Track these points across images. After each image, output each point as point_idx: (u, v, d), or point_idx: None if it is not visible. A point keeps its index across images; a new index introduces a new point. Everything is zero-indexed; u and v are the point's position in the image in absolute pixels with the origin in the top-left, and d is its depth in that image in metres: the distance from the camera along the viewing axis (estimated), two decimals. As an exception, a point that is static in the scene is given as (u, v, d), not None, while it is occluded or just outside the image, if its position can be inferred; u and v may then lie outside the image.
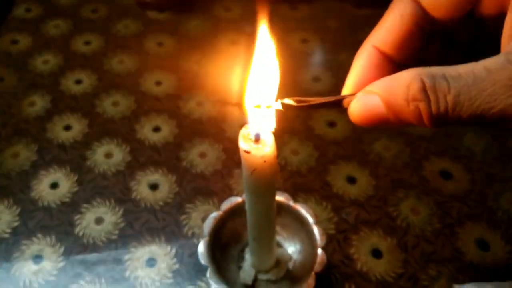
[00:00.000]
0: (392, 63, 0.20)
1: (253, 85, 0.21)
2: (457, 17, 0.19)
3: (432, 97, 0.15)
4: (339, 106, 0.19)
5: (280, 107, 0.20)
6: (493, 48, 0.17)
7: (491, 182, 0.39)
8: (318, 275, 0.28)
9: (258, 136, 0.22)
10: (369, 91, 0.17)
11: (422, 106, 0.15)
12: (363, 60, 0.20)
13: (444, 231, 0.36)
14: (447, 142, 0.41)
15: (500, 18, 0.17)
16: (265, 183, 0.24)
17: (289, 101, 0.20)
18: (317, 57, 0.50)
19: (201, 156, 0.41)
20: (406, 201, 0.37)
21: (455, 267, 0.34)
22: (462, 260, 0.34)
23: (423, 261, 0.34)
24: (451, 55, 0.21)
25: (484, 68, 0.15)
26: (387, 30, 0.19)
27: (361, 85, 0.19)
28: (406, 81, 0.16)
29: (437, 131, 0.42)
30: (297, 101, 0.19)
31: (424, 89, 0.15)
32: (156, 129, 0.43)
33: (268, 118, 0.21)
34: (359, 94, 0.18)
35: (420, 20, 0.19)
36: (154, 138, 0.42)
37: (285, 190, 0.32)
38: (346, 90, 0.20)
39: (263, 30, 0.21)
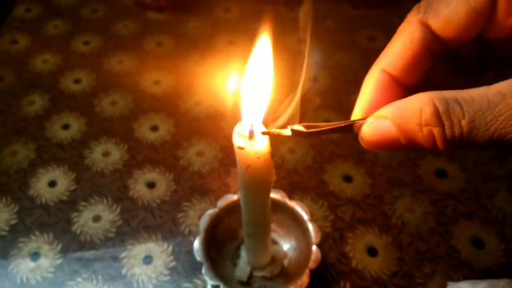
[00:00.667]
0: (402, 86, 0.20)
1: (247, 104, 0.21)
2: (468, 38, 0.19)
3: (446, 122, 0.15)
4: (349, 131, 0.19)
5: (290, 133, 0.20)
6: (503, 69, 0.17)
7: (486, 181, 0.39)
8: (313, 272, 0.28)
9: (252, 133, 0.22)
10: (380, 116, 0.17)
11: (436, 131, 0.15)
12: (372, 84, 0.20)
13: (439, 229, 0.36)
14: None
15: (510, 39, 0.17)
16: (259, 179, 0.24)
17: (299, 127, 0.20)
18: (314, 57, 0.51)
19: (199, 155, 0.41)
20: (401, 200, 0.38)
21: (450, 265, 0.34)
22: (456, 258, 0.34)
23: (418, 259, 0.34)
24: (459, 76, 0.21)
25: (498, 92, 0.15)
26: (397, 54, 0.19)
27: (371, 110, 0.19)
28: (419, 105, 0.16)
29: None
30: (307, 127, 0.19)
31: (437, 114, 0.15)
32: (154, 128, 0.43)
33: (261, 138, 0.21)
34: (369, 119, 0.18)
35: (429, 44, 0.19)
36: (152, 137, 0.42)
37: (281, 188, 0.32)
38: (356, 115, 0.20)
39: (264, 41, 0.21)
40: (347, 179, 0.39)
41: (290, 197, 0.31)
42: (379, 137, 0.17)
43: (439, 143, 0.16)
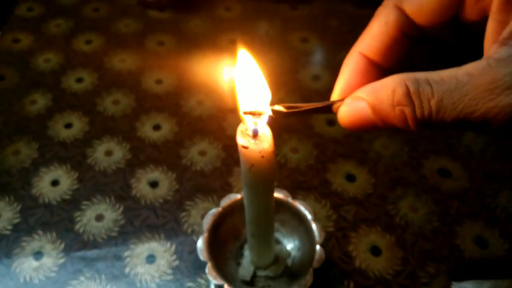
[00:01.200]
0: (379, 69, 0.21)
1: (244, 91, 0.22)
2: (441, 22, 0.19)
3: (416, 102, 0.16)
4: (328, 111, 0.20)
5: (271, 113, 0.20)
6: (478, 52, 0.17)
7: (490, 180, 0.39)
8: (317, 272, 0.28)
9: (256, 132, 0.22)
10: (357, 96, 0.18)
11: (407, 110, 0.16)
12: (350, 67, 0.20)
13: (443, 228, 0.36)
14: (446, 141, 0.42)
15: (483, 22, 0.18)
16: (263, 179, 0.24)
17: (279, 107, 0.20)
18: (317, 56, 0.51)
19: (201, 154, 0.41)
20: (405, 199, 0.37)
21: (454, 264, 0.34)
22: (460, 257, 0.34)
23: (422, 259, 0.34)
24: (437, 60, 0.22)
25: (466, 73, 0.15)
26: (373, 37, 0.20)
27: (349, 91, 0.19)
28: (391, 86, 0.16)
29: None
30: (287, 107, 0.20)
31: (408, 94, 0.16)
32: (157, 127, 0.43)
33: (261, 121, 0.21)
34: (347, 100, 0.18)
35: (404, 27, 0.20)
36: (155, 136, 0.42)
37: (284, 187, 0.32)
38: (334, 96, 0.21)
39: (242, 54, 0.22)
40: (350, 178, 0.39)
41: (293, 197, 0.31)
42: (355, 117, 0.18)
43: (410, 122, 0.16)
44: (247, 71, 0.22)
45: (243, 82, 0.22)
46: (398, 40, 0.20)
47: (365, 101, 0.17)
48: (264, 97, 0.21)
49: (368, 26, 0.20)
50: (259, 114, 0.21)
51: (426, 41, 0.21)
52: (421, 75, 0.16)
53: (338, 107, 0.19)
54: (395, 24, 0.19)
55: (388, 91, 0.16)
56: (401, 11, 0.19)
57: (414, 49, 0.21)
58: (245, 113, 0.21)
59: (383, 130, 0.18)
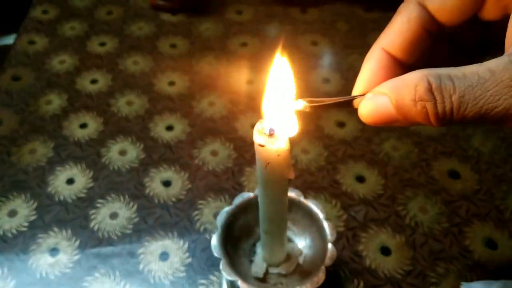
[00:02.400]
0: (400, 65, 0.21)
1: (272, 87, 0.22)
2: (463, 20, 0.19)
3: (438, 97, 0.16)
4: (349, 106, 0.20)
5: (294, 107, 0.21)
6: (499, 50, 0.18)
7: (499, 182, 0.39)
8: (327, 271, 0.28)
9: (272, 131, 0.23)
10: (378, 91, 0.18)
11: (428, 106, 0.16)
12: (372, 62, 0.21)
13: (452, 229, 0.36)
14: (456, 143, 0.42)
15: (504, 20, 0.18)
16: (278, 177, 0.24)
17: (302, 101, 0.20)
18: (327, 59, 0.51)
19: (213, 154, 0.42)
20: (415, 200, 0.38)
21: (463, 265, 0.34)
22: (470, 258, 0.34)
23: (432, 259, 0.34)
24: (458, 57, 0.22)
25: (488, 69, 0.15)
26: (395, 33, 0.20)
27: (371, 86, 0.19)
28: (414, 81, 0.16)
29: (445, 132, 0.43)
30: (310, 102, 0.20)
31: (430, 89, 0.16)
32: (169, 128, 0.44)
33: (288, 119, 0.22)
34: (368, 95, 0.19)
35: (426, 24, 0.20)
36: (167, 136, 0.43)
37: (295, 188, 0.33)
38: (356, 91, 0.21)
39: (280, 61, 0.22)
40: (360, 179, 0.40)
41: (304, 197, 0.32)
42: (376, 112, 0.18)
43: (432, 117, 0.16)
44: (281, 71, 0.22)
45: (275, 80, 0.22)
46: (420, 37, 0.20)
47: (386, 96, 0.17)
48: (289, 92, 0.21)
49: (391, 23, 0.20)
50: (285, 108, 0.21)
51: (447, 38, 0.21)
52: (443, 70, 0.16)
53: (359, 102, 0.19)
54: (418, 21, 0.19)
55: (410, 86, 0.16)
56: (423, 8, 0.19)
57: (435, 45, 0.21)
58: (272, 107, 0.21)
59: (403, 126, 0.19)
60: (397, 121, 0.17)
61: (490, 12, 0.19)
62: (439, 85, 0.16)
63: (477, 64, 0.16)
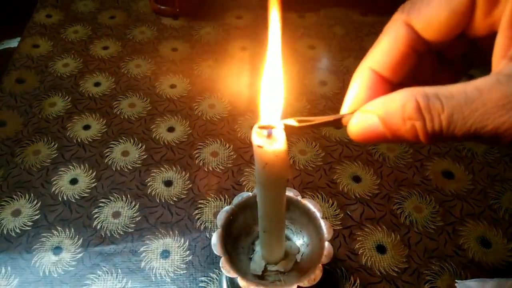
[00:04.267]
0: (388, 83, 0.21)
1: (264, 101, 0.22)
2: (449, 38, 0.19)
3: (427, 116, 0.16)
4: (338, 124, 0.20)
5: (283, 127, 0.21)
6: (484, 64, 0.18)
7: (493, 182, 0.40)
8: (324, 269, 0.29)
9: (270, 132, 0.23)
10: (367, 110, 0.18)
11: (418, 125, 0.16)
12: (360, 81, 0.21)
13: (447, 228, 0.37)
14: (449, 144, 0.43)
15: (491, 38, 0.18)
16: (276, 177, 0.25)
17: (291, 121, 0.21)
18: (324, 62, 0.52)
19: (213, 155, 0.42)
20: (410, 199, 0.39)
21: (458, 263, 0.35)
22: (464, 256, 0.35)
23: (426, 257, 0.35)
24: (444, 72, 0.22)
25: (475, 88, 0.15)
26: (382, 53, 0.20)
27: (359, 105, 0.20)
28: (402, 101, 0.16)
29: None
30: (299, 121, 0.21)
31: (419, 108, 0.16)
32: (171, 129, 0.45)
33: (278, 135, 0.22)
34: (357, 113, 0.19)
35: (413, 43, 0.20)
36: (169, 137, 0.44)
37: (293, 187, 0.34)
38: (344, 109, 0.21)
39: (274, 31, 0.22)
40: (356, 179, 0.40)
41: (302, 196, 0.32)
42: (365, 130, 0.18)
43: (421, 136, 0.17)
44: (271, 77, 0.22)
45: (266, 90, 0.22)
46: (407, 56, 0.20)
47: (375, 115, 0.17)
48: (276, 110, 0.22)
49: (377, 42, 0.20)
50: (272, 128, 0.21)
51: (434, 53, 0.21)
52: (430, 89, 0.16)
53: (348, 120, 0.19)
54: (404, 40, 0.20)
55: (398, 105, 0.17)
56: (410, 28, 0.19)
57: (421, 63, 0.21)
58: (259, 127, 0.22)
59: (391, 143, 0.19)
60: (386, 138, 0.18)
61: (477, 29, 0.19)
62: (427, 104, 0.16)
63: (464, 83, 0.16)
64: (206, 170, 0.41)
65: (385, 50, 0.20)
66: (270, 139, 0.23)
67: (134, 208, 0.39)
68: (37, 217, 0.38)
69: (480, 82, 0.16)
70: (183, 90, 0.48)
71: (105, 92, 0.48)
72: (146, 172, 0.41)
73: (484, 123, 0.15)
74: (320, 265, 0.29)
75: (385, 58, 0.20)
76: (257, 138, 0.23)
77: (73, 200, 0.39)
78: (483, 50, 0.19)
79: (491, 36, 0.18)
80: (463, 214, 0.38)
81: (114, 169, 0.41)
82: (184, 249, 0.36)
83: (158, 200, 0.39)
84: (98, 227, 0.37)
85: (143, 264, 0.35)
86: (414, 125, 0.16)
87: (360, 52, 0.52)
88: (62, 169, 0.42)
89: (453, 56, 0.21)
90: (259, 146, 0.23)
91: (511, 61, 0.16)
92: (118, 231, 0.37)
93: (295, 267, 0.32)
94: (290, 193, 0.32)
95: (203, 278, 0.34)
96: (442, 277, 0.34)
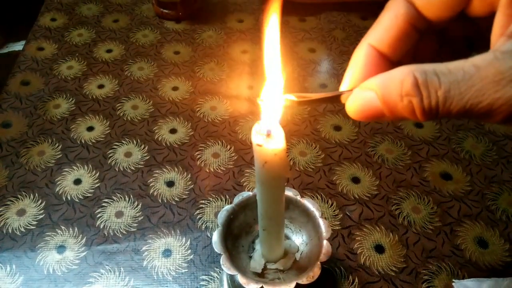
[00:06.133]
0: (388, 61, 0.21)
1: (267, 80, 0.22)
2: (450, 17, 0.19)
3: (424, 92, 0.16)
4: (337, 101, 0.20)
5: (283, 102, 0.21)
6: (486, 46, 0.18)
7: (490, 184, 0.40)
8: (323, 268, 0.29)
9: (270, 132, 0.24)
10: (365, 87, 0.18)
11: (414, 101, 0.16)
12: (360, 58, 0.21)
13: (444, 229, 0.37)
14: (448, 146, 0.44)
15: (490, 17, 0.18)
16: (275, 175, 0.26)
17: (291, 96, 0.21)
18: (324, 65, 0.53)
19: (214, 156, 0.43)
20: (408, 200, 0.39)
21: (455, 263, 0.35)
22: (461, 256, 0.36)
23: (424, 257, 0.36)
24: (445, 53, 0.22)
25: (473, 64, 0.15)
26: (383, 30, 0.20)
27: (358, 82, 0.20)
28: (400, 77, 0.16)
29: (438, 135, 0.45)
30: (298, 97, 0.21)
31: (416, 84, 0.16)
32: (173, 131, 0.46)
33: (276, 112, 0.22)
34: (355, 90, 0.19)
35: (414, 20, 0.20)
36: (171, 139, 0.45)
37: (293, 188, 0.34)
38: (343, 86, 0.21)
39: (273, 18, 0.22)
40: (355, 180, 0.41)
41: (301, 196, 0.33)
42: (363, 107, 0.18)
43: (418, 112, 0.16)
44: (270, 48, 0.21)
45: (267, 61, 0.21)
46: (407, 33, 0.20)
47: (373, 91, 0.17)
48: (277, 84, 0.22)
49: (378, 19, 0.20)
50: (274, 101, 0.21)
51: (435, 34, 0.21)
52: (428, 66, 0.16)
53: (347, 97, 0.19)
54: (405, 17, 0.20)
55: (396, 81, 0.16)
56: (411, 5, 0.19)
57: (422, 42, 0.21)
58: (262, 100, 0.21)
59: (389, 121, 0.19)
60: (384, 116, 0.18)
61: (477, 8, 0.19)
62: (425, 80, 0.16)
63: (462, 60, 0.16)
64: (207, 171, 0.42)
65: (385, 26, 0.20)
66: (269, 138, 0.24)
67: (136, 208, 0.39)
68: (41, 216, 0.39)
69: (478, 59, 0.16)
70: (185, 93, 0.49)
71: (108, 94, 0.49)
72: (148, 173, 0.42)
73: (480, 98, 0.15)
74: (319, 263, 0.29)
75: (385, 34, 0.20)
76: (256, 136, 0.24)
77: (77, 200, 0.40)
78: (484, 33, 0.19)
79: (490, 16, 0.18)
80: (461, 215, 0.38)
81: (117, 169, 0.42)
82: (186, 248, 0.36)
83: (160, 200, 0.40)
84: (101, 226, 0.38)
85: (145, 262, 0.36)
86: (411, 102, 0.16)
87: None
88: (66, 169, 0.42)
89: (454, 36, 0.21)
90: (258, 145, 0.24)
91: (509, 39, 0.16)
92: (121, 231, 0.38)
93: (294, 265, 0.32)
94: (289, 192, 0.33)
95: (204, 277, 0.35)
96: (439, 276, 0.35)
